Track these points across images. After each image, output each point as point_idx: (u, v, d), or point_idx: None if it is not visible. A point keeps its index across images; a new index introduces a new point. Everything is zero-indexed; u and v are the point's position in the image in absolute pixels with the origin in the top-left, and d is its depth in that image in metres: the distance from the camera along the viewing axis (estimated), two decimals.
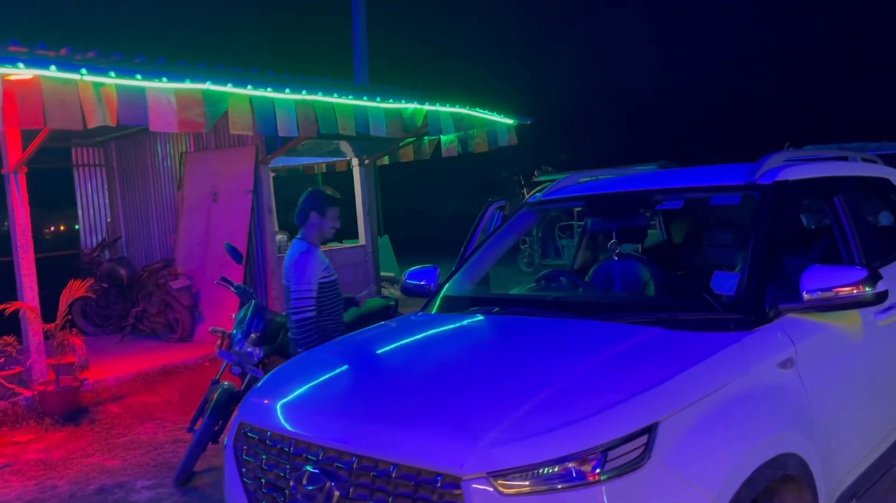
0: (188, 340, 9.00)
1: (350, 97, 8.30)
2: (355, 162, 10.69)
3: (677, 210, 4.05)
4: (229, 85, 7.08)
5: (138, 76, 6.37)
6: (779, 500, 2.57)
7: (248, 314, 5.03)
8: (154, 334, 9.30)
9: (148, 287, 9.36)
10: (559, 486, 1.99)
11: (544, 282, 3.99)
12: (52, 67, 5.98)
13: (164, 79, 6.51)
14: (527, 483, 2.00)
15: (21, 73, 5.87)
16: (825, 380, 2.81)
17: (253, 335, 4.91)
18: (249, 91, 7.25)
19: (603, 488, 1.97)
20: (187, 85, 6.66)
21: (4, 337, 6.68)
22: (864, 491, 3.10)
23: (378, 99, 8.72)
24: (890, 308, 3.34)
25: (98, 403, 6.95)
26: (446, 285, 3.83)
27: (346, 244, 10.66)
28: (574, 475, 2.00)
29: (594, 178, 4.23)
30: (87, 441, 6.07)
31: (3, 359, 6.60)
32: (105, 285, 9.67)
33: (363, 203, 10.79)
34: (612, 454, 2.01)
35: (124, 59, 6.64)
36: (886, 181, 4.28)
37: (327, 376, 2.90)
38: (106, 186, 11.08)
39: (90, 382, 6.99)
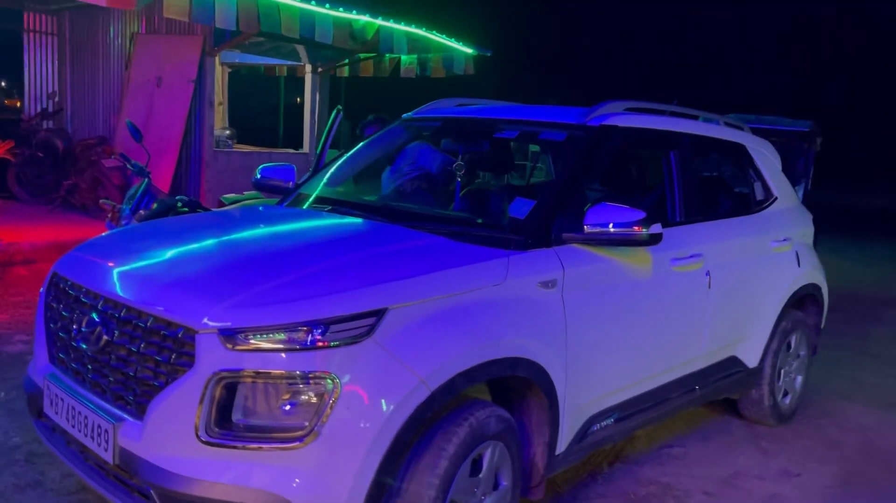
0: None
1: None
2: (308, 68, 10.66)
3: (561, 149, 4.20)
4: None
5: None
6: (521, 401, 2.86)
7: (139, 192, 5.19)
8: (84, 209, 9.36)
9: (81, 162, 9.38)
10: (279, 347, 2.20)
11: (403, 191, 4.17)
12: None
13: None
14: (252, 341, 2.21)
15: None
16: (593, 306, 3.02)
17: (141, 212, 5.08)
18: None
19: (317, 354, 2.19)
20: None
21: None
22: (627, 413, 3.34)
23: (327, 5, 8.65)
24: (691, 257, 3.60)
25: (7, 265, 7.10)
26: (305, 185, 3.93)
27: (286, 151, 10.73)
28: (293, 340, 2.21)
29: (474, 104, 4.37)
30: None
31: None
32: (40, 154, 9.67)
33: (312, 112, 10.81)
34: (334, 328, 2.22)
35: None
36: (742, 148, 4.42)
37: (134, 243, 3.04)
38: (56, 56, 10.92)
39: (3, 243, 7.13)
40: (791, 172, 6.16)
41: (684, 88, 16.95)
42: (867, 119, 18.62)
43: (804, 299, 4.66)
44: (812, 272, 4.69)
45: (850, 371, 5.82)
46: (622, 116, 3.56)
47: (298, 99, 13.38)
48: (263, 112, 11.18)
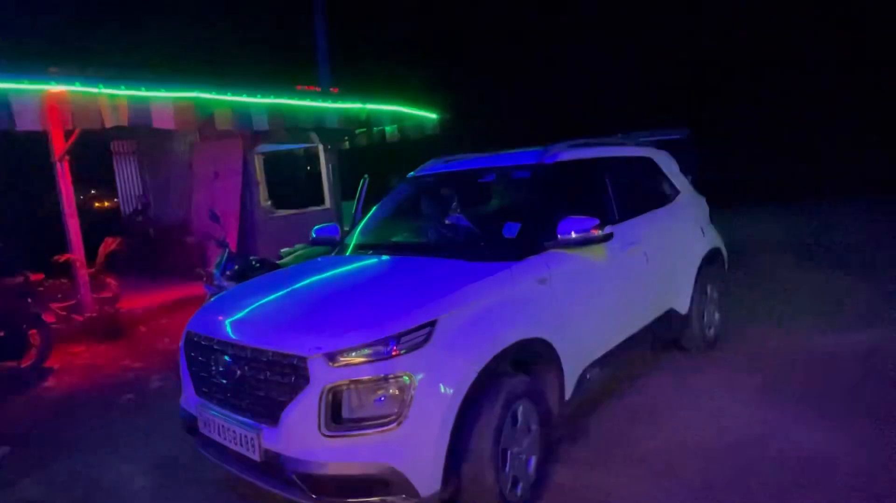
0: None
1: (308, 100, 8.28)
2: (321, 147, 10.67)
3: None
4: (213, 93, 7.02)
5: (143, 88, 6.32)
6: (536, 368, 2.90)
7: (224, 259, 5.21)
8: (175, 276, 9.17)
9: (168, 243, 9.34)
10: (367, 360, 2.23)
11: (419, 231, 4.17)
12: (77, 83, 5.96)
13: (163, 90, 6.47)
14: (347, 358, 2.25)
15: (56, 88, 5.85)
16: (574, 291, 3.07)
17: (227, 273, 5.10)
18: (229, 97, 7.20)
19: (392, 362, 2.23)
20: (181, 94, 6.61)
21: (61, 279, 6.69)
22: (606, 362, 3.38)
23: (329, 101, 8.71)
24: (633, 243, 3.64)
25: (131, 325, 7.00)
26: (348, 237, 3.93)
27: (314, 208, 10.70)
28: (376, 353, 2.24)
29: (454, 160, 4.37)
30: (121, 351, 6.18)
31: (60, 295, 6.63)
32: (139, 240, 9.64)
33: (328, 178, 10.80)
34: (403, 339, 2.26)
35: (130, 75, 6.52)
36: (650, 160, 4.49)
37: (240, 300, 3.01)
38: (137, 168, 10.83)
39: (123, 310, 7.01)
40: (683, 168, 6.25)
41: (597, 115, 16.73)
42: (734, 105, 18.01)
43: (711, 259, 4.69)
44: (713, 239, 4.74)
45: (750, 304, 5.89)
46: (567, 152, 3.61)
47: (309, 167, 13.37)
48: (289, 183, 11.13)
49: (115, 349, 6.31)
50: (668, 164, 4.69)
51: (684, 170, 5.05)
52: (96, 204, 13.58)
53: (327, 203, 10.83)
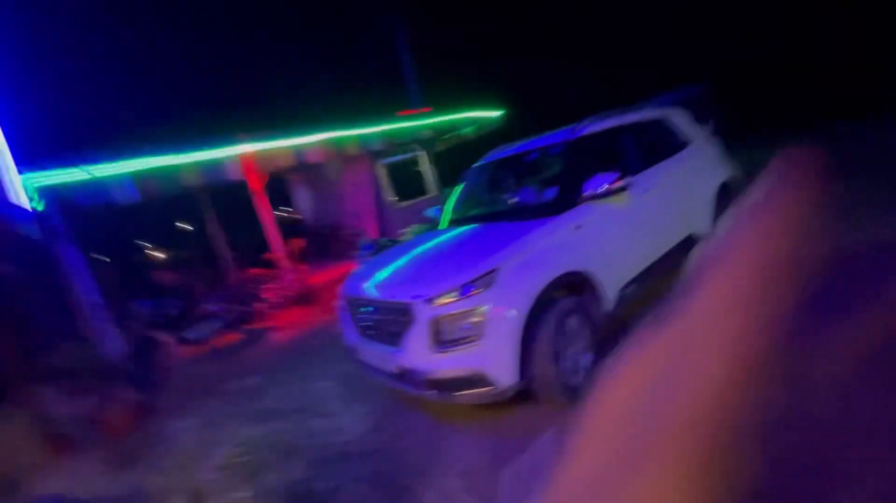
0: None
1: (405, 122, 8.45)
2: (424, 153, 10.83)
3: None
4: (343, 129, 7.37)
5: (295, 137, 6.81)
6: (582, 291, 2.86)
7: (365, 243, 5.58)
8: (337, 259, 9.88)
9: (332, 238, 9.95)
10: (453, 300, 2.35)
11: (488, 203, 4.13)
12: (260, 143, 6.53)
13: (311, 134, 6.91)
14: (438, 301, 2.38)
15: (247, 148, 6.45)
16: (604, 231, 2.95)
17: (367, 251, 5.46)
18: (355, 131, 7.55)
19: (469, 300, 2.32)
20: (322, 135, 7.03)
21: (271, 270, 7.39)
22: (640, 280, 3.23)
23: (421, 119, 8.84)
24: (648, 189, 3.39)
25: (318, 294, 7.33)
26: (443, 215, 4.05)
27: (424, 197, 10.88)
28: (459, 295, 2.35)
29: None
30: (314, 312, 6.66)
31: (273, 280, 7.40)
32: (313, 238, 10.40)
33: (430, 173, 10.96)
34: (476, 283, 2.34)
35: (289, 129, 6.99)
36: (659, 120, 4.11)
37: (373, 269, 3.17)
38: (308, 191, 11.62)
39: (311, 286, 7.57)
40: (700, 117, 5.67)
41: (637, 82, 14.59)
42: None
43: (725, 187, 4.27)
44: (725, 172, 4.31)
45: None
46: (588, 127, 3.43)
47: (417, 168, 13.52)
48: (405, 181, 11.35)
49: (311, 310, 6.72)
50: (679, 120, 4.26)
51: (701, 119, 4.58)
52: (283, 216, 14.72)
53: (433, 192, 11.01)
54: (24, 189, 4.56)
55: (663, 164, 3.77)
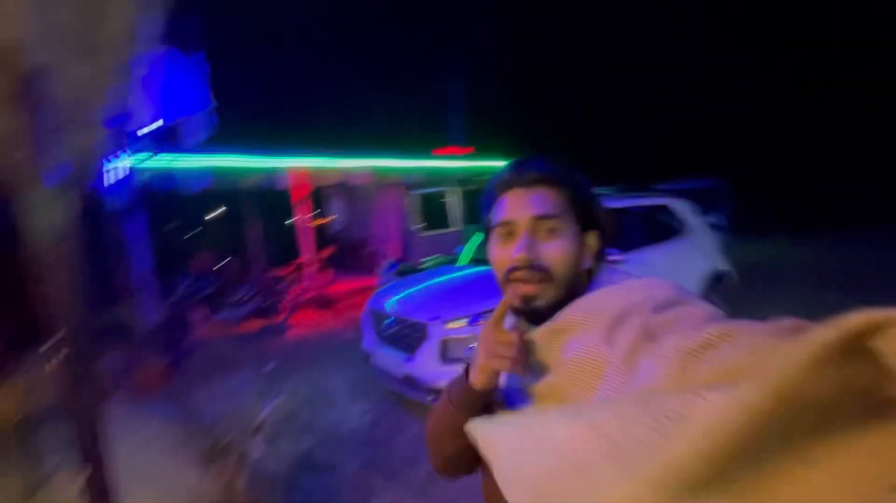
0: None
1: (447, 160, 9.15)
2: (454, 189, 11.44)
3: None
4: (385, 158, 8.01)
5: (345, 159, 7.48)
6: None
7: (390, 263, 6.12)
8: (364, 272, 10.23)
9: (360, 249, 10.40)
10: (463, 325, 2.79)
11: None
12: (307, 159, 7.20)
13: (356, 158, 7.59)
14: (451, 324, 2.83)
15: (296, 163, 7.14)
16: None
17: (390, 272, 5.99)
18: (400, 162, 8.21)
19: (476, 328, 2.77)
20: (367, 162, 7.69)
21: (299, 272, 7.74)
22: None
23: (461, 159, 9.55)
24: (643, 264, 3.77)
25: (336, 301, 7.71)
26: (464, 253, 4.46)
27: (448, 230, 11.41)
28: (468, 322, 2.80)
29: None
30: (329, 316, 7.06)
31: (298, 281, 7.80)
32: (342, 248, 10.75)
33: (459, 209, 11.55)
34: (483, 315, 2.81)
35: (337, 153, 7.58)
36: (664, 206, 4.49)
37: (396, 289, 3.61)
38: (343, 204, 12.02)
39: (333, 292, 7.93)
40: (709, 210, 6.07)
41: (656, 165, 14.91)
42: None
43: (718, 277, 4.58)
44: (717, 262, 4.65)
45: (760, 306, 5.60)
46: (605, 203, 3.92)
47: (445, 201, 14.02)
48: (433, 212, 11.84)
49: (327, 314, 7.04)
50: (683, 208, 4.67)
51: (712, 211, 4.98)
52: (317, 221, 15.15)
53: (457, 227, 11.58)
54: (120, 166, 5.30)
55: (659, 245, 4.16)
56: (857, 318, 0.25)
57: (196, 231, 13.53)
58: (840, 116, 14.55)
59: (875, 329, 0.25)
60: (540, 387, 0.59)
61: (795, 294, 6.10)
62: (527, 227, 0.65)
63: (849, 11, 14.31)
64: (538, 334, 0.62)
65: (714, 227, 5.10)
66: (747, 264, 5.18)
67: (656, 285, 0.57)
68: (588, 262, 0.67)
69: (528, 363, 0.62)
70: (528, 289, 0.64)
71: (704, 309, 0.50)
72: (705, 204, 5.45)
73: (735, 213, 8.09)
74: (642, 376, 0.44)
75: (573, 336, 0.57)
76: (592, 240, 0.68)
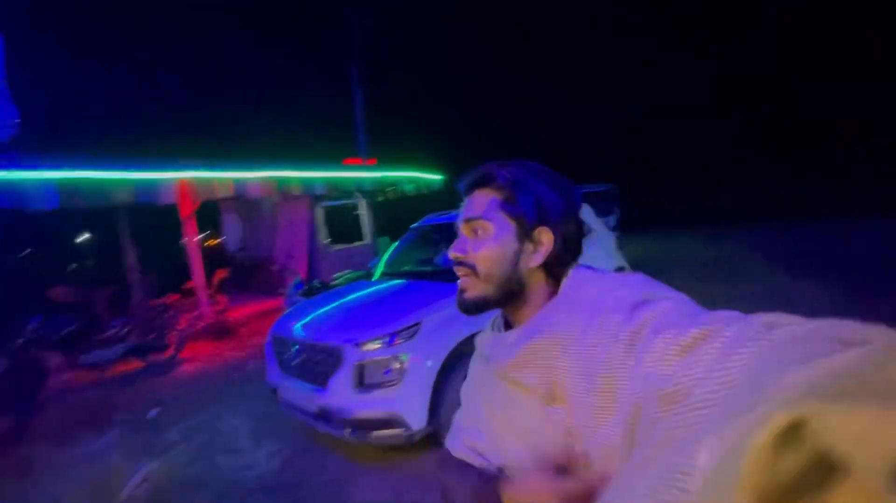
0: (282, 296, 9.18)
1: (351, 170, 8.81)
2: (362, 201, 11.11)
3: None
4: (287, 170, 7.50)
5: (239, 171, 6.86)
6: None
7: (296, 282, 5.65)
8: (263, 293, 9.57)
9: (259, 271, 9.70)
10: (379, 346, 2.60)
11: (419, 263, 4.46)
12: (196, 171, 6.48)
13: (254, 170, 6.99)
14: (366, 346, 2.62)
15: (178, 175, 6.36)
16: None
17: (298, 291, 5.53)
18: (298, 173, 7.72)
19: (394, 348, 2.59)
20: (266, 173, 7.12)
21: (188, 298, 6.97)
22: None
23: (365, 170, 9.25)
24: None
25: (235, 328, 7.24)
26: (378, 267, 4.25)
27: (358, 244, 11.06)
28: (384, 342, 2.60)
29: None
30: (229, 346, 6.48)
31: (188, 309, 7.01)
32: (239, 269, 9.99)
33: (368, 221, 11.22)
34: (401, 334, 2.62)
35: (232, 162, 7.02)
36: None
37: (303, 312, 3.31)
38: (237, 220, 11.18)
39: (230, 318, 7.30)
40: (604, 212, 6.55)
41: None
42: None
43: (619, 271, 4.93)
44: (617, 260, 4.96)
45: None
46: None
47: (355, 214, 13.64)
48: (341, 226, 11.44)
49: (226, 344, 6.53)
50: (585, 211, 4.98)
51: (605, 212, 5.33)
52: (207, 243, 13.93)
53: (367, 240, 11.23)
54: None
55: None
56: (780, 417, 0.25)
57: (55, 258, 11.51)
58: (705, 128, 16.84)
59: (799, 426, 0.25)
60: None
61: (674, 284, 6.75)
62: (463, 229, 0.71)
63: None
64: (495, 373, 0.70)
65: (609, 227, 5.45)
66: (633, 260, 5.67)
67: (627, 284, 0.63)
68: (538, 260, 0.67)
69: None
70: (461, 282, 0.70)
71: (675, 306, 0.55)
72: (598, 206, 5.82)
73: (623, 215, 8.87)
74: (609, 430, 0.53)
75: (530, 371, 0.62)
76: (544, 236, 0.67)
